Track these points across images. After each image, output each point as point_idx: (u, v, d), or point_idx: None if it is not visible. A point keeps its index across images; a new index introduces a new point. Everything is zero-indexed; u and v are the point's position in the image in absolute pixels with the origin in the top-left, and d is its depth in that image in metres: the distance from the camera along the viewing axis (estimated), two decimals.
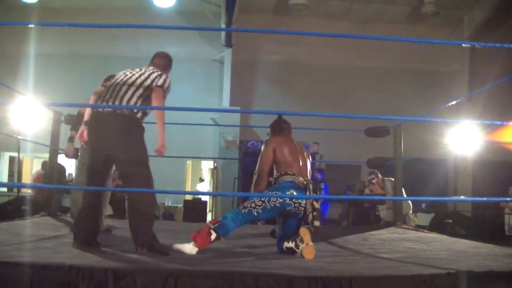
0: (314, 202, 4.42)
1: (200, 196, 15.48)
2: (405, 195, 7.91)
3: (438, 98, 13.64)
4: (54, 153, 7.36)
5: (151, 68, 4.52)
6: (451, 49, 16.00)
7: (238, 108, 14.83)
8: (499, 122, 4.53)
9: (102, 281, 2.98)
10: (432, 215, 12.62)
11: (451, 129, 9.64)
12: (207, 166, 17.98)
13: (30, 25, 14.11)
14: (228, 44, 15.36)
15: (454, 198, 13.70)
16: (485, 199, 4.64)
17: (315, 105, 15.59)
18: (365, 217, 13.00)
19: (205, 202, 15.02)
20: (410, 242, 5.57)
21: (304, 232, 4.25)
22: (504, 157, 14.60)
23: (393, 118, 8.05)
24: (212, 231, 4.24)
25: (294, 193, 4.43)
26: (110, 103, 4.26)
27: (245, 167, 15.13)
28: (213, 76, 16.45)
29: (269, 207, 4.41)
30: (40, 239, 4.63)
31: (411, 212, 8.27)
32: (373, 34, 14.87)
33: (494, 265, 3.69)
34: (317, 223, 4.40)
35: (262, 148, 4.76)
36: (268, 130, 5.04)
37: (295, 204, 4.42)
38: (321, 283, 3.02)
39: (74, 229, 4.39)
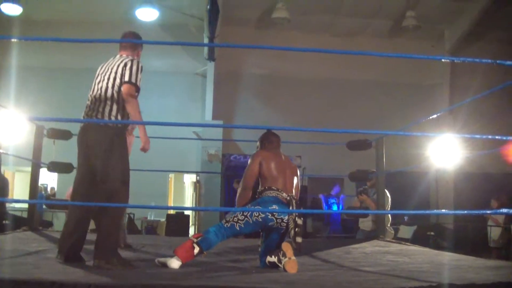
0: (297, 218, 4.42)
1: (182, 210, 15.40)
2: (389, 203, 7.95)
3: (419, 111, 13.75)
4: (36, 167, 7.30)
5: (119, 57, 4.47)
6: (433, 62, 16.20)
7: (221, 121, 14.85)
8: (478, 136, 4.58)
9: None
10: (415, 227, 12.69)
11: (432, 142, 9.71)
12: (189, 179, 17.90)
13: (13, 39, 14.00)
14: (211, 57, 15.38)
15: (436, 211, 13.76)
16: (465, 212, 4.68)
17: (298, 118, 15.64)
18: (347, 228, 13.08)
19: (188, 216, 14.96)
20: (393, 255, 5.59)
21: (286, 246, 4.25)
22: (485, 169, 14.74)
23: (374, 132, 8.11)
24: (195, 245, 4.23)
25: (277, 208, 4.44)
26: (93, 115, 4.26)
27: (228, 180, 15.12)
28: (195, 89, 16.44)
29: (251, 222, 4.42)
30: (21, 255, 4.58)
31: (389, 225, 8.31)
32: (355, 47, 14.99)
33: (475, 277, 3.71)
34: (299, 239, 4.40)
35: (249, 161, 4.77)
36: (257, 143, 5.04)
37: (277, 220, 4.42)
38: None
39: (59, 242, 4.36)
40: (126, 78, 4.26)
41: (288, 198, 4.55)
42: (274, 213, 4.40)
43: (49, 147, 7.44)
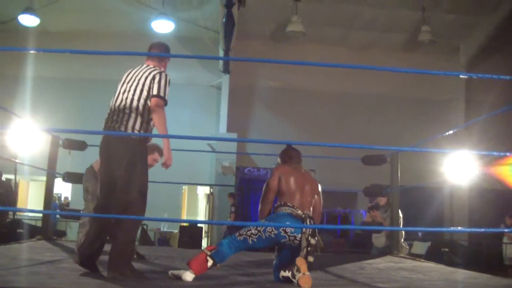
0: (310, 238, 4.39)
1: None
2: (401, 220, 7.91)
3: (434, 126, 13.71)
4: (51, 177, 7.34)
5: (146, 68, 4.46)
6: (448, 77, 16.11)
7: (235, 134, 14.84)
8: (495, 153, 4.54)
9: None
10: (429, 243, 12.59)
11: (447, 158, 9.66)
12: (203, 192, 17.91)
13: (31, 51, 14.15)
14: (226, 70, 15.44)
15: (452, 229, 13.67)
16: (483, 230, 4.62)
17: (312, 131, 15.64)
18: (360, 244, 12.94)
19: (201, 228, 14.96)
20: (407, 271, 5.55)
21: (300, 261, 4.22)
22: (499, 186, 14.63)
23: (390, 148, 8.07)
24: (209, 258, 4.21)
25: (292, 229, 4.38)
26: (116, 127, 4.24)
27: (242, 193, 15.11)
28: (210, 102, 16.50)
29: (263, 237, 4.39)
30: (36, 264, 4.60)
31: (403, 240, 8.27)
32: (370, 61, 14.96)
33: None
34: (311, 259, 4.36)
35: (269, 176, 4.77)
36: (278, 159, 5.02)
37: (290, 237, 4.38)
38: None
39: (79, 249, 4.35)
40: (155, 92, 4.26)
41: (303, 216, 4.51)
42: (287, 230, 4.38)
43: (64, 158, 7.45)
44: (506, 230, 6.36)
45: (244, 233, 4.41)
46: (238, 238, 4.38)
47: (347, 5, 15.02)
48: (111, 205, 4.25)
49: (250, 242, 4.39)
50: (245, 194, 15.37)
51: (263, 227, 4.39)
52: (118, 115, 4.28)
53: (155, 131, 4.39)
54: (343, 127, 16.06)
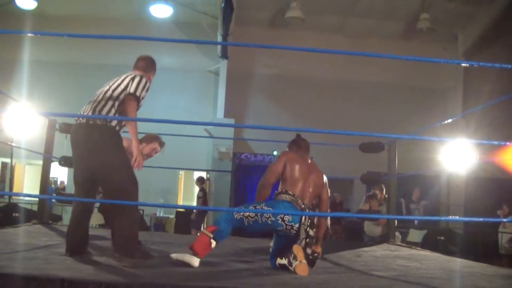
0: (309, 229, 4.37)
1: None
2: (403, 205, 7.96)
3: (432, 114, 13.70)
4: (47, 161, 7.31)
5: (131, 72, 4.52)
6: (446, 66, 16.08)
7: (232, 120, 14.82)
8: (494, 142, 4.52)
9: None
10: (425, 231, 12.62)
11: (445, 147, 9.67)
12: None
13: (29, 34, 14.05)
14: (224, 55, 15.39)
15: (449, 218, 13.69)
16: (481, 219, 4.62)
17: (310, 118, 15.61)
18: (356, 232, 12.98)
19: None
20: (403, 259, 5.55)
21: (297, 249, 4.20)
22: (496, 174, 14.65)
23: (388, 136, 8.04)
24: (212, 241, 4.21)
25: (289, 217, 4.37)
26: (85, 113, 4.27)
27: (238, 179, 15.11)
28: (208, 87, 16.44)
29: (260, 222, 4.36)
30: (32, 249, 4.58)
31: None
32: (368, 49, 14.91)
33: (489, 286, 3.68)
34: (309, 250, 4.35)
35: (274, 159, 4.75)
36: (287, 148, 5.03)
37: (287, 226, 4.36)
38: None
39: (66, 238, 4.38)
40: (132, 90, 4.29)
41: (303, 206, 4.49)
42: (284, 219, 4.35)
43: (61, 142, 7.42)
44: (504, 220, 6.37)
45: (242, 213, 4.40)
46: (236, 216, 4.37)
47: None
48: (93, 190, 4.37)
49: (246, 224, 4.37)
50: (242, 179, 15.36)
51: (260, 215, 4.36)
52: (92, 105, 4.32)
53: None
54: (341, 114, 16.03)
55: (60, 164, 7.08)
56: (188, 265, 4.09)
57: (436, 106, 15.89)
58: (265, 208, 4.41)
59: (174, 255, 4.23)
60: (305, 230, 4.33)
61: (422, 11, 14.91)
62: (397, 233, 8.35)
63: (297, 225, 4.34)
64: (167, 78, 15.46)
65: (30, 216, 8.24)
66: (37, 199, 8.80)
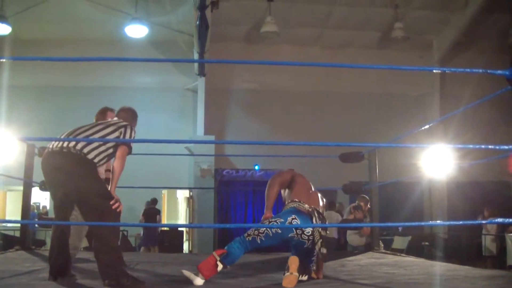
0: (321, 230, 4.41)
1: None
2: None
3: (410, 121, 13.82)
4: (28, 186, 7.26)
5: (121, 120, 4.59)
6: (422, 73, 16.26)
7: (212, 136, 14.83)
8: (471, 146, 4.58)
9: None
10: (409, 238, 12.69)
11: (424, 153, 9.74)
12: (182, 195, 17.87)
13: (2, 59, 13.96)
14: (201, 73, 15.40)
15: (430, 223, 13.80)
16: (461, 222, 4.67)
17: (289, 131, 15.66)
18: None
19: (182, 231, 14.92)
20: (388, 266, 5.58)
21: (292, 260, 4.24)
22: (476, 178, 14.80)
23: (367, 145, 8.12)
24: (219, 263, 4.26)
25: (297, 220, 4.44)
26: (65, 145, 4.23)
27: (221, 195, 15.08)
28: (186, 105, 16.45)
29: (271, 234, 4.42)
30: (14, 275, 4.53)
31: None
32: (344, 59, 15.05)
33: (472, 287, 3.71)
34: (324, 250, 4.40)
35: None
36: None
37: (297, 231, 4.40)
38: None
39: (49, 262, 4.35)
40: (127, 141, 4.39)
41: (310, 209, 4.58)
42: (293, 223, 4.42)
43: (40, 166, 7.38)
44: (484, 222, 6.45)
45: (251, 232, 4.46)
46: (247, 239, 4.43)
47: (320, 5, 15.10)
48: (69, 214, 4.40)
49: (259, 241, 4.43)
50: (225, 195, 15.33)
51: (269, 227, 4.44)
52: (70, 134, 4.35)
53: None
54: (320, 125, 16.10)
55: (41, 189, 7.02)
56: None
57: (415, 113, 16.04)
58: (273, 220, 4.48)
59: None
60: (319, 232, 4.38)
61: (396, 20, 15.08)
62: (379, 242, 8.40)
63: (307, 230, 4.39)
64: (145, 97, 15.48)
65: (13, 242, 8.14)
66: (19, 225, 8.71)
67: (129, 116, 4.76)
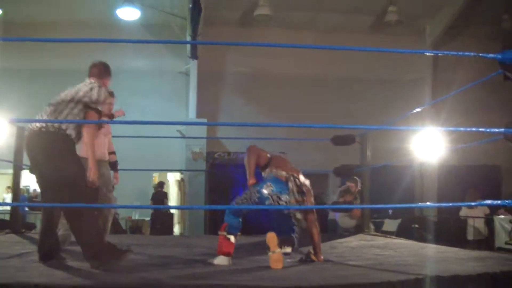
0: (297, 196, 4.46)
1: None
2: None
3: (402, 106, 13.79)
4: (17, 169, 7.23)
5: (86, 81, 4.51)
6: (414, 57, 16.24)
7: (204, 119, 14.79)
8: (462, 129, 4.60)
9: None
10: (399, 220, 12.76)
11: (416, 136, 9.77)
12: (174, 178, 17.85)
13: None
14: (194, 56, 15.31)
15: (420, 204, 13.87)
16: (450, 204, 4.71)
17: (282, 115, 15.61)
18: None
19: (173, 214, 14.94)
20: (378, 248, 5.61)
21: (270, 238, 4.27)
22: (467, 161, 14.88)
23: (359, 127, 8.13)
24: (229, 236, 4.42)
25: (272, 187, 4.51)
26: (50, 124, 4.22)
27: (213, 178, 15.08)
28: (179, 88, 16.37)
29: (251, 202, 4.56)
30: (4, 258, 4.52)
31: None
32: (338, 43, 14.95)
33: (460, 269, 3.74)
34: (299, 215, 4.59)
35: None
36: None
37: (273, 197, 4.48)
38: None
39: (38, 245, 4.35)
40: (92, 104, 4.28)
41: (286, 175, 4.62)
42: (266, 190, 4.51)
43: None
44: (473, 204, 6.49)
45: (239, 201, 4.65)
46: (236, 205, 4.63)
47: None
48: (53, 198, 4.24)
49: (244, 210, 4.60)
50: (216, 179, 15.33)
51: (248, 195, 4.58)
52: (46, 111, 4.35)
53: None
54: (313, 109, 16.05)
55: (31, 171, 7.00)
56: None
57: (407, 98, 16.00)
58: (253, 190, 4.60)
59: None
60: (295, 198, 4.41)
61: (389, 4, 15.04)
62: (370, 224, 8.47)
63: (283, 196, 4.47)
64: (138, 81, 15.40)
65: (3, 226, 8.12)
66: (9, 208, 8.69)
67: (100, 70, 4.67)
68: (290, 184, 4.50)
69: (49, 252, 4.25)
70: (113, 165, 5.99)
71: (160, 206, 15.92)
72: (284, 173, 4.63)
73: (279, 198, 4.46)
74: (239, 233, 4.52)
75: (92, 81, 4.49)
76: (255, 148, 4.92)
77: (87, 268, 3.89)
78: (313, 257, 4.63)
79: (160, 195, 14.43)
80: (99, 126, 4.97)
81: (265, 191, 4.49)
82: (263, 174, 4.90)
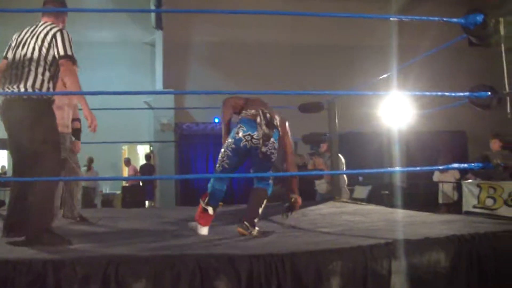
0: (264, 128, 4.30)
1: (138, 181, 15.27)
2: (344, 166, 8.10)
3: (369, 72, 13.85)
4: None
5: (44, 25, 4.09)
6: (380, 24, 16.27)
7: (171, 90, 14.68)
8: (428, 93, 4.63)
9: (40, 274, 2.88)
10: (369, 187, 12.90)
11: (383, 102, 9.84)
12: (143, 150, 17.75)
13: None
14: (159, 26, 15.11)
15: (388, 169, 14.04)
16: (418, 169, 4.77)
17: (250, 84, 15.55)
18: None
19: (143, 187, 14.88)
20: (349, 215, 5.67)
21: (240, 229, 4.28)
22: (435, 127, 15.05)
23: (325, 92, 8.14)
24: (206, 207, 4.39)
25: (243, 127, 4.41)
26: (15, 87, 3.91)
27: (182, 149, 15.04)
28: (144, 59, 16.18)
29: (230, 154, 4.46)
30: None
31: (345, 186, 8.51)
32: (304, 10, 14.88)
33: (429, 232, 3.79)
34: (264, 149, 4.36)
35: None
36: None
37: (246, 138, 4.37)
38: (262, 261, 3.02)
39: (4, 222, 4.22)
40: (62, 52, 3.95)
41: (255, 113, 4.42)
42: (239, 133, 4.39)
43: None
44: (440, 167, 6.59)
45: (218, 164, 4.55)
46: (219, 170, 4.51)
47: None
48: (27, 171, 3.97)
49: (226, 166, 4.49)
50: (185, 149, 15.30)
51: (225, 147, 4.50)
52: (17, 75, 3.95)
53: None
54: (281, 77, 16.01)
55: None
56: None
57: (374, 64, 16.04)
58: (228, 143, 4.49)
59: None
60: (263, 130, 4.29)
61: None
62: (346, 190, 8.54)
63: (255, 133, 4.35)
64: (102, 52, 15.16)
65: None
66: None
67: (57, 7, 4.27)
68: (258, 119, 4.32)
69: (12, 227, 4.06)
70: (75, 132, 5.80)
71: (128, 177, 15.86)
72: (253, 111, 4.45)
73: (252, 137, 4.34)
74: (220, 203, 4.51)
75: (48, 22, 4.13)
76: (228, 100, 4.68)
77: (31, 244, 3.67)
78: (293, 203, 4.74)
79: (147, 167, 14.43)
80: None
81: (237, 135, 4.38)
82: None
